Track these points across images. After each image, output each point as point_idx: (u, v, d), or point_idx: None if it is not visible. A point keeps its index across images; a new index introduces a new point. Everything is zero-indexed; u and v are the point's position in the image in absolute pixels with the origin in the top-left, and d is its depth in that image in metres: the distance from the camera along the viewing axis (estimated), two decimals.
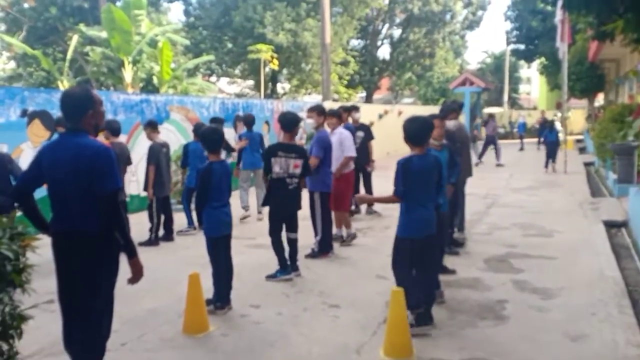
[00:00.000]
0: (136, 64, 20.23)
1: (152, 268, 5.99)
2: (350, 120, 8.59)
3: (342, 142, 6.88)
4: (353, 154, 6.98)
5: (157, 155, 7.22)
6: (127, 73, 19.70)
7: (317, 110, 6.68)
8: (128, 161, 6.84)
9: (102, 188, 2.96)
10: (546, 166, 15.63)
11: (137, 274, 3.17)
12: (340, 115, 7.43)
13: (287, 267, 5.62)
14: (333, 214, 6.79)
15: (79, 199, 2.96)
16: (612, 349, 3.88)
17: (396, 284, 4.14)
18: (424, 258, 4.21)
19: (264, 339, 4.14)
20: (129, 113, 9.66)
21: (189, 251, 6.79)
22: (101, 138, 5.34)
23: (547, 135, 15.76)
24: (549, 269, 5.88)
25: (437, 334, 4.15)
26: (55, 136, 2.77)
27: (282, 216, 5.68)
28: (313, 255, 6.39)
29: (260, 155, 8.55)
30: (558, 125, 17.21)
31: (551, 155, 15.59)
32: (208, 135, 4.86)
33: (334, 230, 7.04)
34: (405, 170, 4.11)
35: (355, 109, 8.90)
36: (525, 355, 3.83)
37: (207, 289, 4.59)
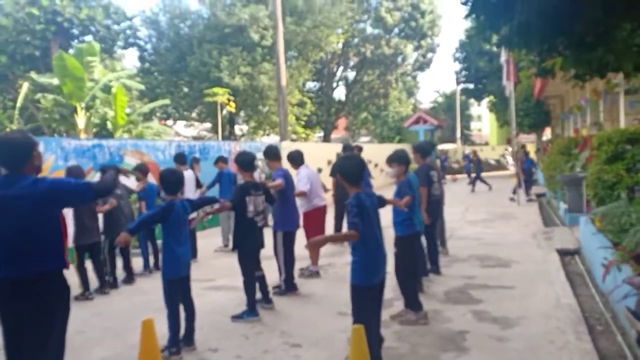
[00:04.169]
0: (89, 110, 19.97)
1: (104, 315, 5.80)
2: None
3: (299, 180, 6.91)
4: (303, 188, 6.92)
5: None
6: (80, 119, 19.41)
7: (269, 156, 6.62)
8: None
9: (82, 200, 3.12)
10: (528, 194, 16.19)
11: None
12: (296, 159, 7.11)
13: (256, 308, 5.50)
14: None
15: (36, 241, 2.84)
16: None
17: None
18: (379, 301, 4.00)
19: None
20: (81, 159, 9.43)
21: (146, 295, 6.52)
22: None
23: (526, 163, 16.42)
24: (507, 299, 5.94)
25: None
26: None
27: (255, 255, 5.65)
28: (280, 292, 6.29)
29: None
30: (510, 159, 17.82)
31: (528, 183, 16.17)
32: (166, 177, 4.78)
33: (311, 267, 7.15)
34: (358, 204, 3.78)
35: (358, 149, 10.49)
36: None
37: (163, 335, 4.41)
